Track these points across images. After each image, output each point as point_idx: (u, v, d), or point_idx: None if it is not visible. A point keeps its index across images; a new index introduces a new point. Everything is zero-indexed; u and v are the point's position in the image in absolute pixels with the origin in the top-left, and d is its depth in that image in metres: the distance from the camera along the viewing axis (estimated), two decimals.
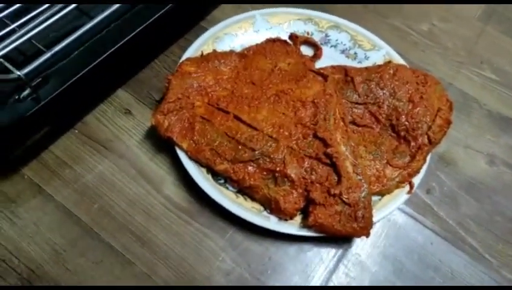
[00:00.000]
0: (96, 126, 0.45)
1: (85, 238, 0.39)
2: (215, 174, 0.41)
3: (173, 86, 0.43)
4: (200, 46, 0.48)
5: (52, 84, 0.37)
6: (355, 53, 0.51)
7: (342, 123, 0.43)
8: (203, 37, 0.49)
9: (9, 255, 0.38)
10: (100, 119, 0.45)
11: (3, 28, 0.37)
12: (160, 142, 0.44)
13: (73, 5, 0.39)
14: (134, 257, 0.39)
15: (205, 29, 0.51)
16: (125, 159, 0.44)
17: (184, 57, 0.47)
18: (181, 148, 0.41)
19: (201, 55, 0.47)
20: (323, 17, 0.52)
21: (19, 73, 0.35)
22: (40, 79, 0.36)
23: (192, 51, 0.47)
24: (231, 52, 0.48)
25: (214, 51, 0.48)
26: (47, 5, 0.39)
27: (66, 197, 0.41)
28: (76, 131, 0.44)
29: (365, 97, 0.45)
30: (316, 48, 0.51)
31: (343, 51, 0.51)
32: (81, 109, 0.45)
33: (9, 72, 0.35)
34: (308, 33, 0.52)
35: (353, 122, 0.44)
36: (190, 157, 0.41)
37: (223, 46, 0.49)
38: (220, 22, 0.50)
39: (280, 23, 0.52)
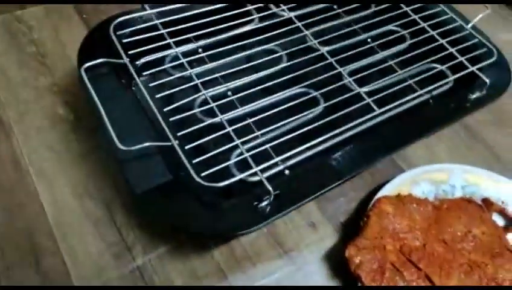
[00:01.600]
0: (283, 230, 0.47)
1: None
2: None
3: (372, 223, 0.44)
4: (398, 185, 0.49)
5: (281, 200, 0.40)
6: None
7: None
8: (401, 178, 0.50)
9: None
10: (287, 224, 0.48)
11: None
12: (337, 266, 0.44)
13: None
14: None
15: (395, 163, 0.52)
16: (302, 273, 0.45)
17: (381, 193, 0.48)
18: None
19: (398, 195, 0.48)
20: None
21: (270, 189, 0.38)
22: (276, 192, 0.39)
23: (390, 189, 0.49)
24: (426, 200, 0.49)
25: (410, 194, 0.49)
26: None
27: None
28: (265, 230, 0.47)
29: None
30: (510, 220, 0.49)
31: None
32: None
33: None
34: (503, 202, 0.50)
35: None
36: None
37: (418, 191, 0.49)
38: (417, 165, 0.52)
39: (477, 184, 0.51)
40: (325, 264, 0.46)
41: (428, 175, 0.51)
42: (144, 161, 0.37)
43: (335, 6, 0.58)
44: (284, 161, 0.42)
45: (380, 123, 0.47)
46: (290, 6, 0.53)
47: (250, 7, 0.52)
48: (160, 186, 0.37)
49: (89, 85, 0.37)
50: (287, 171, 0.42)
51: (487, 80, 0.49)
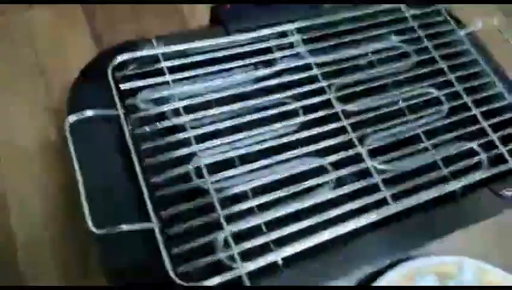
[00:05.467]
0: None
1: None
2: None
3: None
4: (399, 277, 0.44)
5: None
6: None
7: None
8: (404, 268, 0.45)
9: None
10: None
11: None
12: None
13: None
14: None
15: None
16: None
17: (379, 283, 0.44)
18: None
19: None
20: None
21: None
22: None
23: (388, 280, 0.44)
24: None
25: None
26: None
27: None
28: None
29: None
30: None
31: None
32: None
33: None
34: None
35: None
36: None
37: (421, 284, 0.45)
38: (425, 252, 0.47)
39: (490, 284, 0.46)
40: None
41: (437, 268, 0.46)
42: (121, 238, 0.33)
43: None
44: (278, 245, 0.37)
45: (396, 215, 0.41)
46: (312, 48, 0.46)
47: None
48: (133, 269, 0.33)
49: (71, 148, 0.33)
50: (280, 262, 0.37)
51: None
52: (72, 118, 0.35)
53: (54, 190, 0.44)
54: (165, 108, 0.39)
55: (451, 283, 0.46)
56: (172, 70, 0.41)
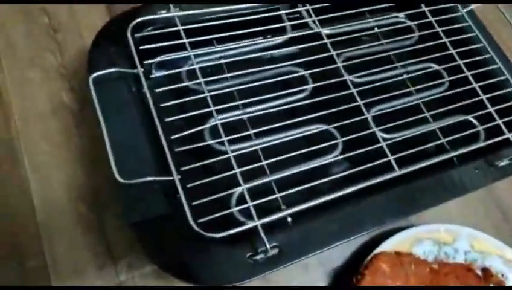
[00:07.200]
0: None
1: None
2: None
3: (365, 282, 0.43)
4: (399, 241, 0.47)
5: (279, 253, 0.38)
6: None
7: None
8: (405, 234, 0.48)
9: None
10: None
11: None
12: None
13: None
14: None
15: (405, 218, 0.49)
16: None
17: (381, 248, 0.46)
18: None
19: (397, 253, 0.46)
20: None
21: (267, 246, 0.35)
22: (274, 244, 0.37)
23: (391, 244, 0.47)
24: (424, 261, 0.47)
25: (410, 254, 0.47)
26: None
27: None
28: None
29: None
30: None
31: None
32: None
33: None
34: (503, 275, 0.49)
35: None
36: None
37: (419, 250, 0.48)
38: (424, 220, 0.49)
39: (481, 252, 0.49)
40: None
41: (434, 235, 0.49)
42: (143, 190, 0.35)
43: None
44: (288, 206, 0.39)
45: (398, 178, 0.43)
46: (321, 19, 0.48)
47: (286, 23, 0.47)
48: (155, 220, 0.35)
49: (96, 102, 0.34)
50: (289, 219, 0.39)
51: None
52: (95, 75, 0.36)
53: (70, 151, 0.45)
54: (183, 69, 0.40)
55: (446, 249, 0.49)
56: (188, 34, 0.42)
